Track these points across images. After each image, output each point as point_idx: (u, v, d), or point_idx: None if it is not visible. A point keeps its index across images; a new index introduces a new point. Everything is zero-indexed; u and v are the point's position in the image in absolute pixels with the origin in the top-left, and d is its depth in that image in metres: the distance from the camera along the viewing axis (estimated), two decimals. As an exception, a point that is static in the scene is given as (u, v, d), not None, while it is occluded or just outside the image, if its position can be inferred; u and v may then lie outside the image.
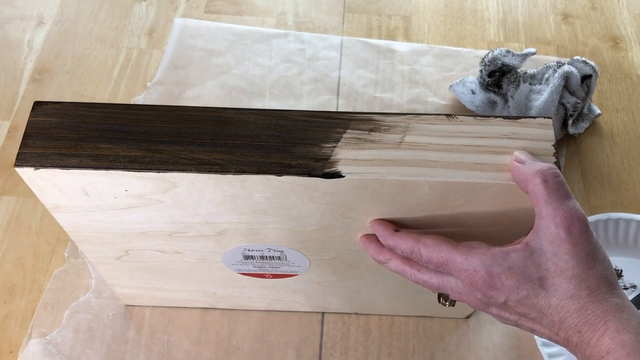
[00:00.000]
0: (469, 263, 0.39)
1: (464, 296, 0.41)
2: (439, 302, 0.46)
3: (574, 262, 0.37)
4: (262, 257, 0.52)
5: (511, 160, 0.40)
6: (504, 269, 0.38)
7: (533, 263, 0.38)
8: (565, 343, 0.38)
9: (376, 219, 0.44)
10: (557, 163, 0.40)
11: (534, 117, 0.42)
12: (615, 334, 0.35)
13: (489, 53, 0.75)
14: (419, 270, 0.43)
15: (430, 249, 0.41)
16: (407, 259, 0.43)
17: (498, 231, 0.45)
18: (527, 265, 0.38)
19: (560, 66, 0.74)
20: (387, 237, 0.43)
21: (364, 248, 0.47)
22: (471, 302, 0.41)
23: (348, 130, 0.41)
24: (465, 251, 0.40)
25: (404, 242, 0.42)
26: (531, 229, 0.39)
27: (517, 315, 0.40)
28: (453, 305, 0.46)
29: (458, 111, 0.80)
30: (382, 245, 0.45)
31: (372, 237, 0.46)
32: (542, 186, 0.37)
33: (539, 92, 0.74)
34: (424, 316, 0.65)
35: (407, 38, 0.88)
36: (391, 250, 0.44)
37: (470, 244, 0.40)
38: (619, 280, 0.66)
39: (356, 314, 0.65)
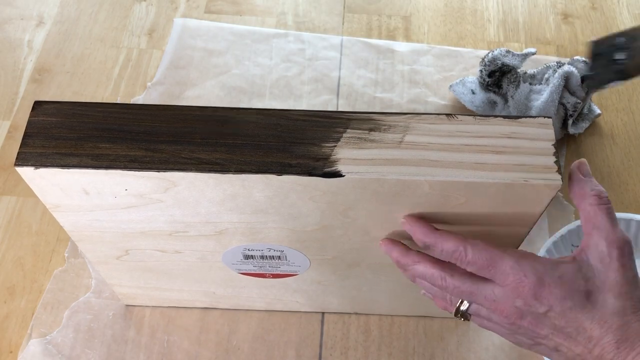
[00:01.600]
0: (520, 267, 0.39)
1: (498, 304, 0.41)
2: (455, 316, 0.45)
3: (622, 281, 0.39)
4: (262, 257, 0.52)
5: (575, 165, 0.42)
6: (555, 278, 0.39)
7: (582, 276, 0.39)
8: None
9: (411, 215, 0.43)
10: (557, 163, 0.40)
11: (534, 117, 0.42)
12: None
13: (489, 53, 0.75)
14: (451, 275, 0.42)
15: (478, 249, 0.40)
16: (439, 261, 0.42)
17: (498, 230, 0.45)
18: (576, 277, 0.39)
19: (560, 66, 0.74)
20: (428, 233, 0.42)
21: (387, 252, 0.45)
22: (503, 312, 0.41)
23: (348, 130, 0.41)
24: (516, 255, 0.40)
25: (446, 241, 0.41)
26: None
27: (551, 329, 0.40)
28: (468, 320, 0.45)
29: (458, 111, 0.80)
30: (408, 248, 0.44)
31: (396, 241, 0.45)
32: (598, 208, 0.40)
33: (539, 92, 0.74)
34: (424, 316, 0.65)
35: (407, 38, 0.88)
36: (420, 252, 0.43)
37: (515, 251, 0.41)
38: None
39: (356, 313, 0.65)
